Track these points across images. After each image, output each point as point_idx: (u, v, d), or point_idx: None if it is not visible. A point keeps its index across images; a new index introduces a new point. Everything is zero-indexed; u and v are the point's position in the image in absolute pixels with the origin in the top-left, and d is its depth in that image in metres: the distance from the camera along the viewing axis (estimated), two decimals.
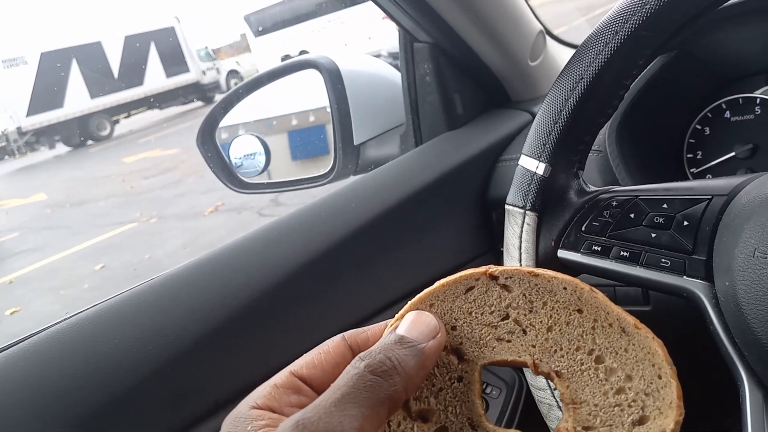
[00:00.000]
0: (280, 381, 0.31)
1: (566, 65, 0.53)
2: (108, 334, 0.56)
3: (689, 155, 0.80)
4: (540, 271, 0.34)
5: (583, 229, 0.51)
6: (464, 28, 0.84)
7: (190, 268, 0.65)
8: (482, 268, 0.34)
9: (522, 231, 0.53)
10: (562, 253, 0.52)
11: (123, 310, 0.59)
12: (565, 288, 0.33)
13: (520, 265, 0.53)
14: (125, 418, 0.53)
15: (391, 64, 1.07)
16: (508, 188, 0.55)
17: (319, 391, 0.30)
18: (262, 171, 1.07)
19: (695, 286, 0.44)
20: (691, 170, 0.80)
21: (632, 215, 0.49)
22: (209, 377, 0.58)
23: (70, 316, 0.59)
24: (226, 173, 1.06)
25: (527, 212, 0.53)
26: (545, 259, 0.53)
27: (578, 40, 0.80)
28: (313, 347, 0.67)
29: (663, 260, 0.46)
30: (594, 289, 0.33)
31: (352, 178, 0.99)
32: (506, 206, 0.55)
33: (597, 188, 0.54)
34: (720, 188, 0.47)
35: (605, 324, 0.32)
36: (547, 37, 0.98)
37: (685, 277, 0.45)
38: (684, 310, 0.46)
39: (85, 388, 0.52)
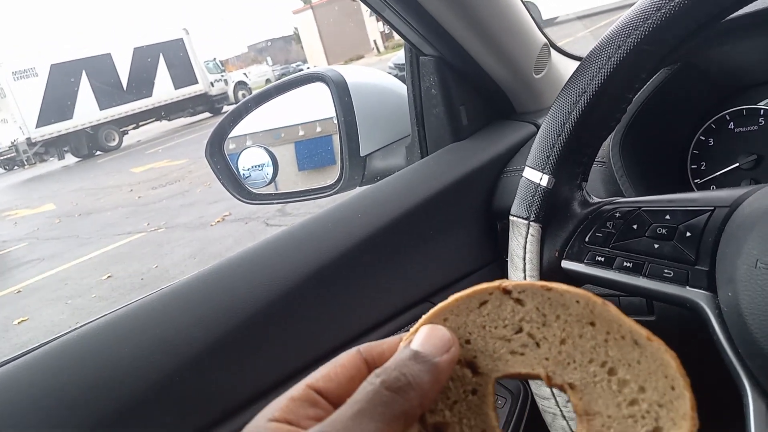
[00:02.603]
0: (297, 394, 0.31)
1: (569, 79, 0.53)
2: (117, 343, 0.57)
3: (693, 166, 0.80)
4: (553, 285, 0.34)
5: (586, 240, 0.52)
6: (469, 42, 0.84)
7: (198, 278, 0.66)
8: (495, 283, 0.34)
9: (526, 242, 0.54)
10: (566, 264, 0.52)
11: (132, 321, 0.60)
12: (577, 301, 0.33)
13: (525, 276, 0.54)
14: (134, 427, 0.53)
15: (396, 76, 1.08)
16: (512, 199, 0.56)
17: (335, 404, 0.31)
18: (270, 182, 1.08)
19: (698, 296, 0.44)
20: (695, 181, 0.80)
21: (635, 226, 0.50)
22: (217, 386, 0.58)
23: (80, 327, 0.60)
24: (235, 184, 1.07)
25: (531, 223, 0.53)
26: (549, 269, 0.53)
27: (583, 52, 0.80)
28: (320, 356, 0.67)
29: (666, 271, 0.46)
30: (606, 302, 0.33)
31: (359, 189, 1.00)
32: (511, 217, 0.56)
33: (600, 199, 0.55)
34: (722, 199, 0.47)
35: (618, 336, 0.32)
36: (552, 50, 0.99)
37: (687, 287, 0.45)
38: (688, 321, 0.47)
39: (94, 397, 0.53)
